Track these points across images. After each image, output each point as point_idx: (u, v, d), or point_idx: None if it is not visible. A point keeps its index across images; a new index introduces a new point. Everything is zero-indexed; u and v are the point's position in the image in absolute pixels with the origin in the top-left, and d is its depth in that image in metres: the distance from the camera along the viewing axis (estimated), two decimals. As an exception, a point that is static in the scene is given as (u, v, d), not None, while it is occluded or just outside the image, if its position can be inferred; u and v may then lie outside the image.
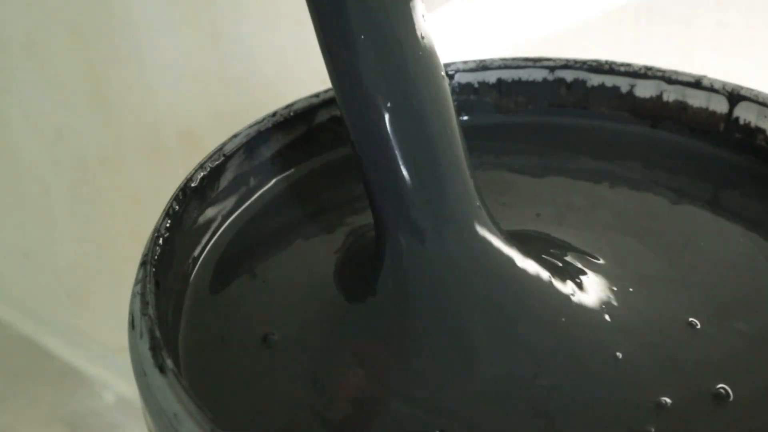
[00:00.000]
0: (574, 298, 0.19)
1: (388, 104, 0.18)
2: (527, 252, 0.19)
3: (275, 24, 0.44)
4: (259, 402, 0.17)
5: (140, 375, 0.16)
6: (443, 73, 0.20)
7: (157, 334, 0.16)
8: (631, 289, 0.20)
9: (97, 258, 0.57)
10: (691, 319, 0.19)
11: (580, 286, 0.20)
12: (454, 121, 0.20)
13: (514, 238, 0.20)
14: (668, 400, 0.17)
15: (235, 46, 0.45)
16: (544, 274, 0.19)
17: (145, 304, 0.17)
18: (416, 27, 0.19)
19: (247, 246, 0.22)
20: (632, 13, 0.33)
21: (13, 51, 0.50)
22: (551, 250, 0.21)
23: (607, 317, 0.19)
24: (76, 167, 0.54)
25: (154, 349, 0.16)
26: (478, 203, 0.19)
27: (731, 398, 0.17)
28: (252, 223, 0.22)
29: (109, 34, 0.47)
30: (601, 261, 0.21)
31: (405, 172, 0.19)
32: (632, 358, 0.18)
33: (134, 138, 0.50)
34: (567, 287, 0.19)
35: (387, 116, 0.18)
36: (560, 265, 0.20)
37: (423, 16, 0.19)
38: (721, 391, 0.17)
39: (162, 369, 0.15)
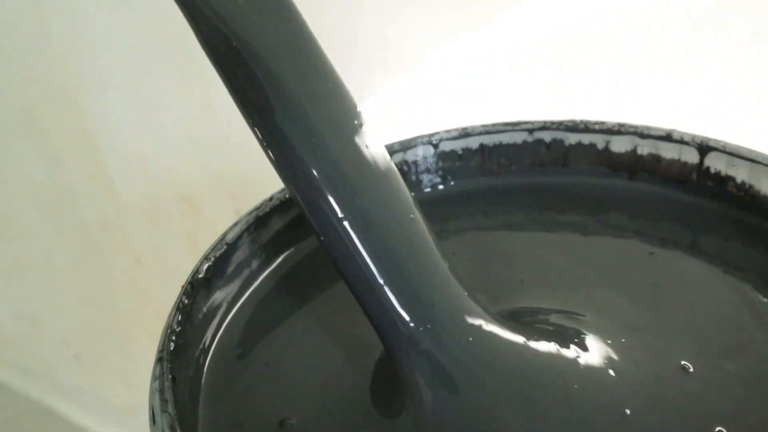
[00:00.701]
0: (581, 361, 0.20)
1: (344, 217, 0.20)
2: (524, 330, 0.21)
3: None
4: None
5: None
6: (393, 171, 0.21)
7: (178, 430, 0.17)
8: (623, 341, 0.21)
9: (103, 320, 0.58)
10: (683, 362, 0.20)
11: (581, 346, 0.21)
12: (419, 223, 0.21)
13: (506, 318, 0.21)
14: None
15: (227, 110, 0.46)
16: (548, 347, 0.20)
17: (164, 401, 0.18)
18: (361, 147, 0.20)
19: (256, 330, 0.23)
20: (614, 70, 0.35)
21: (12, 124, 0.51)
22: (545, 318, 0.22)
23: (611, 372, 0.20)
24: (78, 233, 0.55)
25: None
26: (465, 295, 0.20)
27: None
28: (259, 307, 0.24)
29: (106, 104, 0.49)
30: (592, 317, 0.22)
31: (382, 286, 0.20)
32: (639, 412, 0.19)
33: (134, 202, 0.52)
34: (571, 352, 0.20)
35: (347, 231, 0.19)
36: (558, 331, 0.21)
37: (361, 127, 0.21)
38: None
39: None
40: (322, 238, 0.20)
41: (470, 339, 0.19)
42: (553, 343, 0.20)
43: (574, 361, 0.20)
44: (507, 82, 0.36)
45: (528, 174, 0.28)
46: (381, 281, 0.19)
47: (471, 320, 0.20)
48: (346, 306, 0.23)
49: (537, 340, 0.20)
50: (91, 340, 0.60)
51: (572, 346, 0.21)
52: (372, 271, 0.19)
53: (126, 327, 0.57)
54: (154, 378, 0.19)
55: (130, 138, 0.49)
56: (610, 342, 0.21)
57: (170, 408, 0.18)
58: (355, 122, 0.21)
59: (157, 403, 0.18)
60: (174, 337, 0.20)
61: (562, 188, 0.27)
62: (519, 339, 0.20)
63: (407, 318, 0.19)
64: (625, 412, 0.19)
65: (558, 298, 0.23)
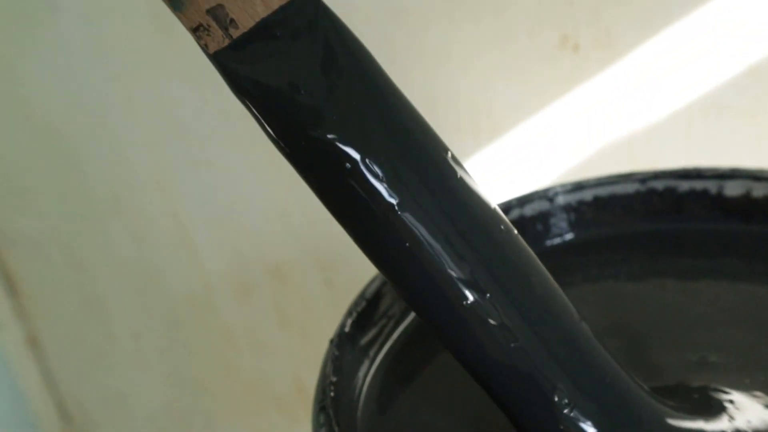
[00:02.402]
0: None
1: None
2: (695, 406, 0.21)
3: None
4: None
5: None
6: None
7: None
8: None
9: (189, 397, 0.59)
10: None
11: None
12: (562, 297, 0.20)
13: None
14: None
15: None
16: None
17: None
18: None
19: (398, 381, 0.24)
20: (699, 111, 0.36)
21: (101, 207, 0.54)
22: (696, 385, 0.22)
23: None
24: (166, 310, 0.56)
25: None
26: (644, 393, 0.20)
27: None
28: (400, 358, 0.24)
29: (192, 182, 0.50)
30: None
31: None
32: None
33: (222, 277, 0.53)
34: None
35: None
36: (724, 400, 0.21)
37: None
38: None
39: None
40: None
41: None
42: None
43: None
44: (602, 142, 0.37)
45: (642, 222, 0.28)
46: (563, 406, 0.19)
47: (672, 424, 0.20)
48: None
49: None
50: (179, 418, 0.61)
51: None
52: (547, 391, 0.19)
53: (213, 403, 0.58)
54: (318, 425, 0.20)
55: (217, 212, 0.51)
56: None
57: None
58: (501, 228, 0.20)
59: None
60: (332, 387, 0.21)
61: (676, 235, 0.28)
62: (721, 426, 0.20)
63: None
64: None
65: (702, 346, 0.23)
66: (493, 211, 0.20)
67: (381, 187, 0.18)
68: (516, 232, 0.20)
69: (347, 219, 0.19)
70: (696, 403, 0.21)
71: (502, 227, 0.19)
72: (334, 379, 0.21)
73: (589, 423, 0.19)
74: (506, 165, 0.40)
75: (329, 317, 0.26)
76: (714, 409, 0.21)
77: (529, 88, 0.39)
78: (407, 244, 0.18)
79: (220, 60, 0.18)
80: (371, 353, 0.24)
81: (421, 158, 0.19)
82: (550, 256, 0.28)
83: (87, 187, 0.54)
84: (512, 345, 0.19)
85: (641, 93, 0.36)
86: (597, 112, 0.37)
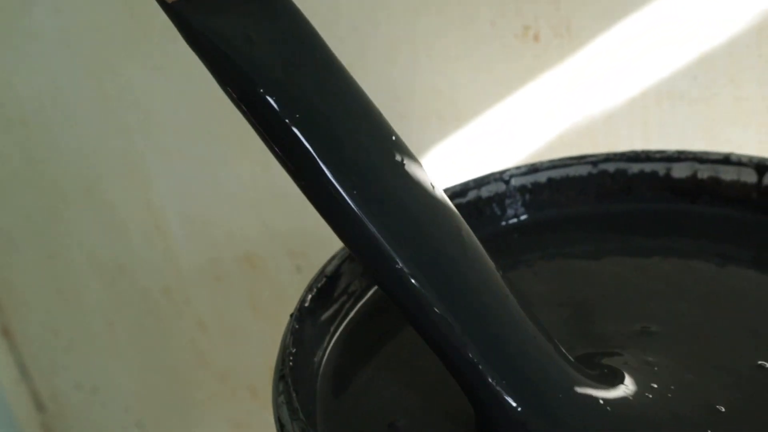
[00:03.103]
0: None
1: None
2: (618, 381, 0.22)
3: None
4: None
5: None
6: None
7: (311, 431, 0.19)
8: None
9: (164, 386, 0.60)
10: (760, 362, 0.22)
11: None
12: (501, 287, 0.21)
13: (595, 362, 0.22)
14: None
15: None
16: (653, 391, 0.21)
17: (294, 410, 0.20)
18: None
19: (360, 351, 0.25)
20: (654, 98, 0.37)
21: (75, 197, 0.54)
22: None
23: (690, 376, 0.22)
24: (139, 300, 0.57)
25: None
26: (566, 364, 0.21)
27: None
28: (360, 331, 0.25)
29: (167, 172, 0.51)
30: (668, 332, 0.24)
31: (487, 379, 0.20)
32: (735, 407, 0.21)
33: (195, 266, 0.53)
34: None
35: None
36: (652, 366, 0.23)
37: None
38: None
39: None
40: (416, 328, 0.21)
41: (578, 414, 0.20)
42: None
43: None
44: (565, 126, 0.38)
45: (594, 203, 0.29)
46: (486, 374, 0.20)
47: (578, 391, 0.21)
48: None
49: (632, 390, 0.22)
50: (153, 407, 0.61)
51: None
52: (473, 361, 0.20)
53: (188, 391, 0.59)
54: (278, 393, 0.21)
55: (190, 202, 0.51)
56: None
57: (301, 415, 0.19)
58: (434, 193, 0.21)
59: (286, 414, 0.20)
60: (291, 357, 0.21)
61: (627, 215, 0.29)
62: (618, 393, 0.21)
63: (514, 404, 0.20)
64: (719, 409, 0.21)
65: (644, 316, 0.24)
66: (435, 194, 0.21)
67: (319, 153, 0.20)
68: (454, 209, 0.21)
69: (291, 173, 0.21)
70: (617, 371, 0.22)
71: (431, 187, 0.21)
72: (293, 350, 0.22)
73: (509, 390, 0.20)
74: (470, 151, 0.41)
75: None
76: (636, 376, 0.22)
77: (491, 77, 0.40)
78: (343, 206, 0.20)
79: (177, 10, 0.19)
80: (331, 328, 0.25)
81: (357, 122, 0.20)
82: (506, 235, 0.29)
83: (59, 179, 0.54)
84: (438, 317, 0.20)
85: (599, 81, 0.38)
86: (557, 100, 0.38)
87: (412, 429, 0.22)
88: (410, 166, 0.21)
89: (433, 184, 0.21)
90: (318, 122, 0.20)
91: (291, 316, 0.23)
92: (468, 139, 0.41)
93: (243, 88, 0.20)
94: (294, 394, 0.20)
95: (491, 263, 0.21)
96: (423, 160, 0.43)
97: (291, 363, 0.21)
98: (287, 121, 0.20)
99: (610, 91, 0.38)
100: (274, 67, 0.20)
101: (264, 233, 0.50)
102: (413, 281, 0.20)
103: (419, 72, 0.41)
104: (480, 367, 0.20)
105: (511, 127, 0.40)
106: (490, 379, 0.20)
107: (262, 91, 0.19)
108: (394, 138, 0.21)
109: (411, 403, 0.23)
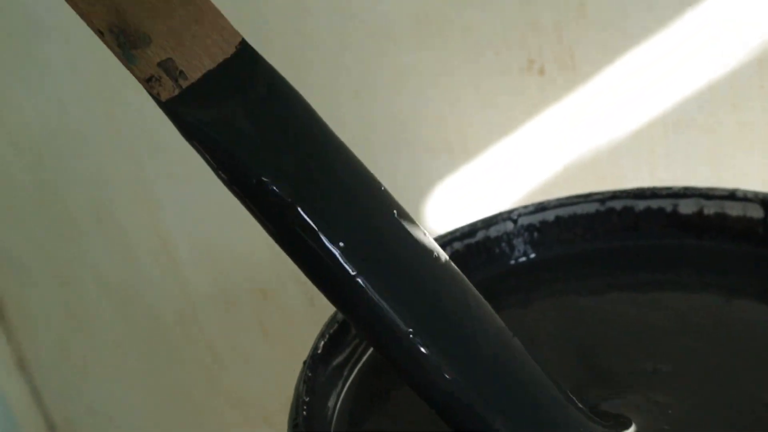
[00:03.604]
0: None
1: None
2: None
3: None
4: None
5: None
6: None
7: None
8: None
9: (178, 412, 0.60)
10: None
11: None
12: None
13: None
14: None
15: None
16: None
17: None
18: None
19: (372, 398, 0.25)
20: (660, 128, 0.37)
21: (84, 225, 0.54)
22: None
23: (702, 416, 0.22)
24: (151, 327, 0.57)
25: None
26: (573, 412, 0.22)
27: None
28: (373, 376, 0.26)
29: (172, 196, 0.51)
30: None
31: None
32: None
33: (206, 293, 0.54)
34: None
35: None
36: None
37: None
38: None
39: None
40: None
41: None
42: None
43: None
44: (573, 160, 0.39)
45: (602, 240, 0.30)
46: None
47: None
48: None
49: None
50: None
51: None
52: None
53: (200, 418, 0.59)
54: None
55: (199, 227, 0.52)
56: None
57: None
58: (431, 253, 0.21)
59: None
60: (305, 406, 0.22)
61: (634, 251, 0.29)
62: None
63: None
64: None
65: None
66: (428, 243, 0.21)
67: (319, 228, 0.20)
68: (448, 260, 0.22)
69: (294, 258, 0.21)
70: (626, 418, 0.22)
71: (435, 256, 0.21)
72: (306, 398, 0.22)
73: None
74: (477, 185, 0.41)
75: (313, 334, 0.27)
76: (647, 417, 0.22)
77: (498, 110, 0.40)
78: (346, 282, 0.20)
79: (171, 108, 0.20)
80: (344, 373, 0.25)
81: (354, 197, 0.21)
82: (514, 274, 0.30)
83: (70, 206, 0.55)
84: (446, 377, 0.20)
85: (605, 113, 0.38)
86: (563, 133, 0.39)
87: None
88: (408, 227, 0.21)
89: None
90: (315, 199, 0.20)
91: (304, 363, 0.24)
92: (475, 171, 0.42)
93: (238, 176, 0.20)
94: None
95: (496, 317, 0.22)
96: (430, 191, 0.44)
97: (305, 412, 0.22)
98: (290, 201, 0.20)
99: (615, 122, 0.38)
100: (270, 154, 0.20)
101: (274, 262, 0.50)
102: (422, 349, 0.20)
103: (425, 102, 0.41)
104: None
105: (518, 159, 0.40)
106: None
107: (257, 180, 0.20)
108: (395, 210, 0.21)
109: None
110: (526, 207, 0.30)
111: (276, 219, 0.20)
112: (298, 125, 0.21)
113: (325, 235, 0.20)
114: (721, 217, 0.28)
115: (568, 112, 0.38)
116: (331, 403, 0.24)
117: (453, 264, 0.22)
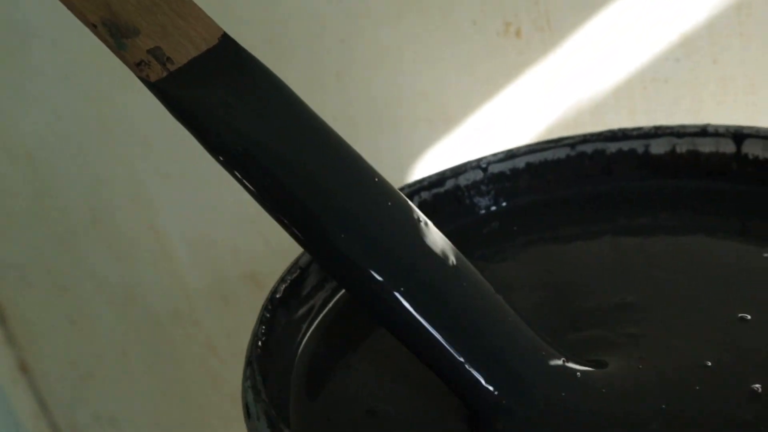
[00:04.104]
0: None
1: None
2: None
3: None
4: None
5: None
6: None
7: (273, 413, 0.18)
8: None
9: (180, 412, 0.60)
10: (740, 315, 0.22)
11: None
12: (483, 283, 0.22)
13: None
14: (758, 387, 0.19)
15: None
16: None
17: (257, 392, 0.19)
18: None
19: (337, 343, 0.24)
20: (639, 85, 0.37)
21: (81, 228, 0.55)
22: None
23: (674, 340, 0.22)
24: (150, 326, 0.57)
25: (273, 425, 0.18)
26: (543, 349, 0.21)
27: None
28: (338, 323, 0.25)
29: (167, 196, 0.51)
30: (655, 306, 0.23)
31: (463, 364, 0.20)
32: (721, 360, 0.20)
33: (202, 287, 0.54)
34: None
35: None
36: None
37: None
38: None
39: (282, 439, 0.18)
40: (390, 330, 0.21)
41: (555, 396, 0.20)
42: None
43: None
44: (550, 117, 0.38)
45: (574, 186, 0.29)
46: (461, 359, 0.20)
47: (554, 378, 0.21)
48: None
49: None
50: (169, 432, 0.61)
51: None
52: (449, 352, 0.20)
53: (202, 416, 0.59)
54: (245, 379, 0.21)
55: (193, 224, 0.52)
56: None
57: (264, 396, 0.19)
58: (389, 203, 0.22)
59: (250, 397, 0.20)
60: (259, 344, 0.21)
61: (609, 195, 0.29)
62: (604, 370, 0.21)
63: (492, 389, 0.20)
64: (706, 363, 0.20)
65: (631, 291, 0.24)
66: (405, 202, 0.22)
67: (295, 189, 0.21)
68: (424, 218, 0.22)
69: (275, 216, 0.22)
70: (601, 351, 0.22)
71: (415, 217, 0.22)
72: (263, 338, 0.22)
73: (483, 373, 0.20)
74: (461, 153, 0.41)
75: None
76: (620, 350, 0.22)
77: (477, 76, 0.40)
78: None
79: (160, 87, 0.21)
80: (308, 318, 0.25)
81: (331, 162, 0.22)
82: (487, 224, 0.29)
83: (66, 210, 0.55)
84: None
85: (584, 72, 0.37)
86: (543, 94, 0.38)
87: (393, 415, 0.22)
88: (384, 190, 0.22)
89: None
90: (295, 168, 0.21)
91: (263, 307, 0.23)
92: (458, 141, 0.41)
93: (227, 152, 0.21)
94: (259, 378, 0.20)
95: (461, 255, 0.22)
96: (414, 165, 0.44)
97: (259, 349, 0.21)
98: (273, 173, 0.21)
99: (595, 80, 0.37)
100: (252, 127, 0.21)
101: (267, 252, 0.50)
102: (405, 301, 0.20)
103: (405, 77, 0.41)
104: (458, 359, 0.20)
105: (501, 125, 0.40)
106: (469, 369, 0.20)
107: (244, 151, 0.21)
108: (377, 179, 0.22)
109: (392, 391, 0.23)
110: (495, 155, 0.29)
111: (261, 187, 0.21)
112: (280, 102, 0.22)
113: (312, 205, 0.21)
114: (694, 154, 0.28)
115: (547, 74, 0.38)
116: (293, 347, 0.24)
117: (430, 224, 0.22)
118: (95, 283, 0.57)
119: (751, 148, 0.26)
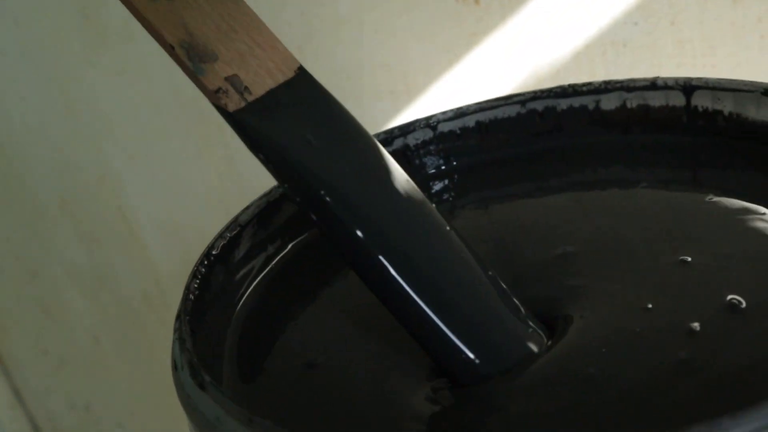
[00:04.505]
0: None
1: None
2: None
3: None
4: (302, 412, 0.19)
5: (186, 401, 0.18)
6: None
7: (195, 360, 0.18)
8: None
9: (154, 397, 0.59)
10: (681, 257, 0.21)
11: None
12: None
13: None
14: (696, 325, 0.19)
15: (250, 163, 0.48)
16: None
17: (182, 343, 0.19)
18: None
19: (277, 302, 0.24)
20: (599, 49, 0.36)
21: (50, 211, 0.54)
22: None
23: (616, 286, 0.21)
24: (122, 310, 0.56)
25: (194, 372, 0.18)
26: (520, 315, 0.21)
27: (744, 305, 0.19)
28: (278, 283, 0.25)
29: (133, 177, 0.51)
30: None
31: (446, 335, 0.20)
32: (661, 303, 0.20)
33: (170, 270, 0.53)
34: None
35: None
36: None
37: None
38: (734, 301, 0.19)
39: (202, 386, 0.17)
40: (378, 294, 0.21)
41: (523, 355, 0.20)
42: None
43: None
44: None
45: (526, 144, 0.29)
46: (445, 329, 0.20)
47: (529, 345, 0.20)
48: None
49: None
50: (145, 419, 0.61)
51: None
52: (430, 318, 0.20)
53: (175, 398, 0.58)
54: (174, 333, 0.20)
55: (160, 204, 0.51)
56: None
57: (188, 345, 0.19)
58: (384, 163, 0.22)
59: (177, 349, 0.19)
60: (191, 297, 0.21)
61: (561, 152, 0.28)
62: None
63: (472, 356, 0.20)
64: (647, 306, 0.20)
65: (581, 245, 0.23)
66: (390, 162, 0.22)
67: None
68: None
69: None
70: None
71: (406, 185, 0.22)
72: (196, 292, 0.21)
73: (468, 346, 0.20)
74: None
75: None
76: (564, 304, 0.21)
77: (437, 45, 0.39)
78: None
79: (239, 118, 0.21)
80: (250, 276, 0.24)
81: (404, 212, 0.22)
82: (436, 182, 0.29)
83: (33, 194, 0.54)
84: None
85: (543, 38, 0.37)
86: (503, 61, 0.38)
87: (332, 368, 0.21)
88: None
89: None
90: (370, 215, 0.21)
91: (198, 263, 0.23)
92: (422, 112, 0.41)
93: (302, 189, 0.21)
94: (186, 329, 0.19)
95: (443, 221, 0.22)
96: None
97: (190, 303, 0.21)
98: (346, 220, 0.21)
99: (554, 46, 0.37)
100: (329, 171, 0.21)
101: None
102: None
103: (366, 48, 0.41)
104: (441, 326, 0.20)
105: (462, 93, 0.39)
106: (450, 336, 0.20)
107: (321, 192, 0.21)
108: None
109: (333, 344, 0.22)
110: (444, 113, 0.29)
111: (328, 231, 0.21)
112: (355, 142, 0.22)
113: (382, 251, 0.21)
114: (645, 108, 0.27)
115: (506, 40, 0.37)
116: (231, 302, 0.23)
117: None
118: (65, 267, 0.56)
119: (700, 100, 0.26)
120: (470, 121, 0.29)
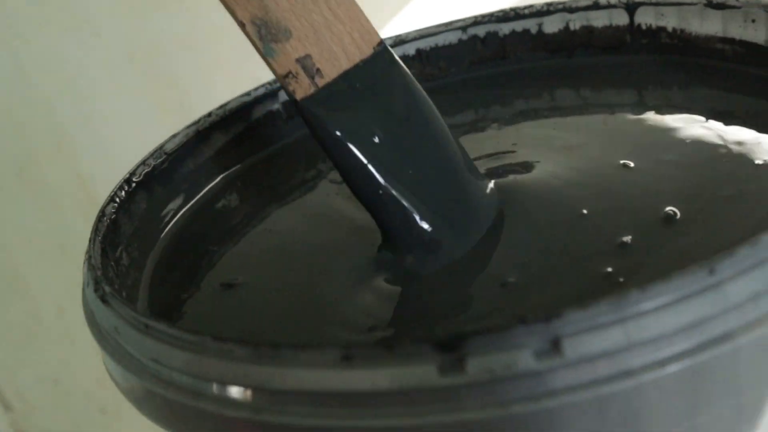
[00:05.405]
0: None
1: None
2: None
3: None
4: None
5: (90, 319, 0.17)
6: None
7: (99, 274, 0.17)
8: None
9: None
10: (623, 161, 0.20)
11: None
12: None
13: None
14: (629, 238, 0.18)
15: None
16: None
17: (90, 263, 0.18)
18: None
19: (202, 229, 0.23)
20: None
21: (8, 179, 0.53)
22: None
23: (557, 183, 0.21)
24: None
25: (96, 285, 0.17)
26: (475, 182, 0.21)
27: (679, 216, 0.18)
28: (205, 213, 0.24)
29: (90, 141, 0.50)
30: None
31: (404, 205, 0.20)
32: (593, 208, 0.19)
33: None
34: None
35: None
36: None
37: None
38: (670, 212, 0.18)
39: (103, 299, 0.16)
40: (335, 161, 0.20)
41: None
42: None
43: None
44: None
45: (469, 72, 0.28)
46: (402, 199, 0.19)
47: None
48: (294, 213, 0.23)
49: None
50: (114, 391, 0.60)
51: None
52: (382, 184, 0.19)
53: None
54: (85, 254, 0.19)
55: (118, 170, 0.50)
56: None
57: (94, 262, 0.18)
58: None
59: (84, 268, 0.18)
60: (105, 220, 0.20)
61: (505, 79, 0.27)
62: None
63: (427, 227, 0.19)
64: (582, 212, 0.19)
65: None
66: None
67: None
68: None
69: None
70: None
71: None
72: (113, 216, 0.20)
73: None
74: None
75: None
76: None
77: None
78: None
79: (306, 108, 0.19)
80: (175, 207, 0.24)
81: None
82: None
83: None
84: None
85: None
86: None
87: (250, 287, 0.20)
88: None
89: None
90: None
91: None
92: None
93: (366, 196, 0.20)
94: (96, 249, 0.18)
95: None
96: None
97: (104, 227, 0.20)
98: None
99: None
100: (398, 174, 0.20)
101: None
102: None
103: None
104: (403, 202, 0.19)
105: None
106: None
107: (381, 192, 0.19)
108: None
109: (253, 265, 0.21)
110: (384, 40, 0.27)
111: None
112: (428, 139, 0.20)
113: None
114: (588, 30, 0.27)
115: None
116: (152, 231, 0.22)
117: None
118: (25, 238, 0.55)
119: (643, 17, 0.25)
120: (410, 49, 0.28)
